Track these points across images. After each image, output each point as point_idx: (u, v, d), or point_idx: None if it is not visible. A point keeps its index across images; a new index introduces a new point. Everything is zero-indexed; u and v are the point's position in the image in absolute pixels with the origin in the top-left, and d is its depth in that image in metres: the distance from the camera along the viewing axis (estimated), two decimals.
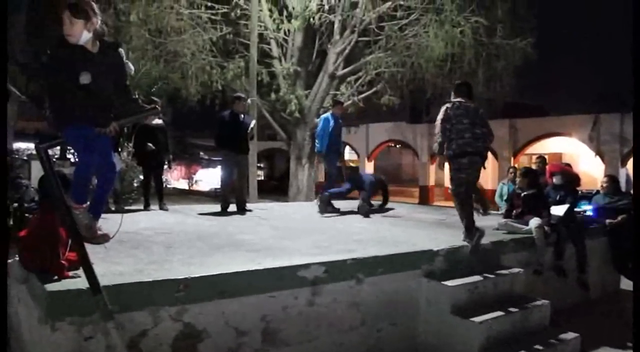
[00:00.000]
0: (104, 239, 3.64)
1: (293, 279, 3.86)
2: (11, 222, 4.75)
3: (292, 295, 3.86)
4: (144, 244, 4.60)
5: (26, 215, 4.92)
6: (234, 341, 3.58)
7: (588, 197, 8.30)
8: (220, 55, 14.03)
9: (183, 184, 34.05)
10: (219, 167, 11.13)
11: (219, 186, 13.95)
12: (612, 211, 7.30)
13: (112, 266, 3.60)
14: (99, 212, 3.67)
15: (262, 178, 35.24)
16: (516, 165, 19.28)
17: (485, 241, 5.38)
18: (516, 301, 4.83)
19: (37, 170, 9.33)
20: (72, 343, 2.97)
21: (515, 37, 13.41)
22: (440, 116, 5.33)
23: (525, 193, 6.43)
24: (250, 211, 7.76)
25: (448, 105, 5.37)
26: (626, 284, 7.33)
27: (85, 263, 3.03)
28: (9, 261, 3.68)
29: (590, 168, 21.02)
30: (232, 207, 7.73)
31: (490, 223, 6.50)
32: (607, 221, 7.24)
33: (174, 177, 30.78)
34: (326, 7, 13.19)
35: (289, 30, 14.02)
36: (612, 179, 7.81)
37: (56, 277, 3.19)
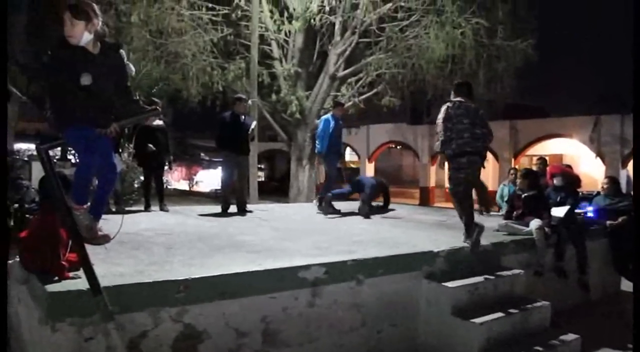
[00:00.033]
0: (105, 240, 3.65)
1: (293, 280, 3.86)
2: (12, 223, 4.76)
3: (292, 296, 3.86)
4: (144, 245, 4.61)
5: (27, 216, 4.92)
6: (234, 341, 3.58)
7: (589, 198, 8.28)
8: (221, 56, 14.05)
9: (184, 185, 34.07)
10: (220, 168, 11.13)
11: (219, 187, 13.94)
12: (612, 212, 7.30)
13: (112, 266, 3.60)
14: (100, 213, 3.67)
15: (263, 179, 35.25)
16: (517, 167, 19.25)
17: (485, 242, 5.39)
18: (516, 302, 4.83)
19: (37, 171, 9.33)
20: (72, 344, 2.97)
21: (516, 39, 13.42)
22: (441, 115, 5.34)
23: (525, 194, 6.43)
24: (250, 212, 7.76)
25: (449, 104, 5.38)
26: (626, 285, 7.33)
27: (85, 264, 3.03)
28: (10, 261, 3.68)
29: (591, 169, 21.01)
30: (233, 208, 7.73)
31: (491, 224, 6.50)
32: (608, 222, 7.24)
33: (175, 178, 30.80)
34: (327, 8, 13.19)
35: (289, 32, 14.03)
36: (612, 181, 7.81)
37: (57, 278, 3.19)
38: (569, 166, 8.41)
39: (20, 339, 3.79)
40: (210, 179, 33.02)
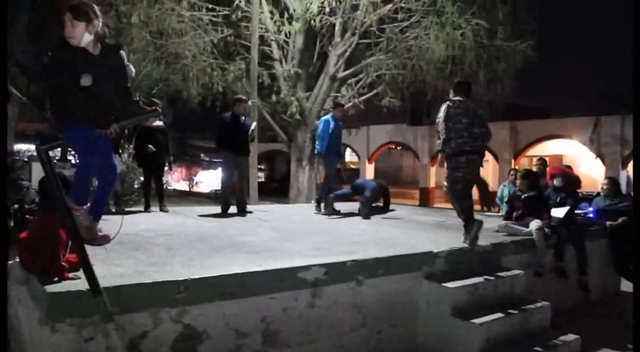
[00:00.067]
0: (105, 240, 3.65)
1: (293, 281, 3.86)
2: (12, 224, 4.75)
3: (292, 296, 3.86)
4: (144, 245, 4.61)
5: (27, 216, 4.92)
6: (234, 342, 3.58)
7: (588, 199, 8.28)
8: (221, 57, 14.06)
9: (183, 186, 34.08)
10: (220, 168, 11.14)
11: (219, 188, 13.95)
12: (612, 213, 7.30)
13: (112, 267, 3.60)
14: (100, 213, 3.68)
15: (263, 180, 35.25)
16: (517, 168, 19.26)
17: (485, 242, 5.40)
18: (516, 302, 4.83)
19: (37, 171, 9.32)
20: (72, 344, 2.97)
21: (515, 40, 13.44)
22: (442, 114, 5.35)
23: (525, 195, 6.43)
24: (250, 212, 7.77)
25: (449, 103, 5.39)
26: (626, 286, 7.33)
27: (85, 265, 3.03)
28: (10, 262, 3.68)
29: (591, 170, 21.00)
30: (233, 209, 7.74)
31: (491, 225, 6.51)
32: (608, 223, 7.24)
33: (175, 179, 30.80)
34: (327, 9, 13.19)
35: (289, 33, 14.04)
36: (612, 181, 7.81)
37: (56, 278, 3.19)
38: (569, 167, 8.42)
39: (20, 340, 3.79)
40: (210, 179, 33.04)
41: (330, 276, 4.04)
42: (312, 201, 8.78)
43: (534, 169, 8.53)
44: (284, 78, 14.11)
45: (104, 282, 3.06)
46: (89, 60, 3.41)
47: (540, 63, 14.64)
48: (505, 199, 8.79)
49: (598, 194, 8.08)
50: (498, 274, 5.05)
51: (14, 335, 3.95)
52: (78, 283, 3.12)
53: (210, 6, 13.53)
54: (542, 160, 8.85)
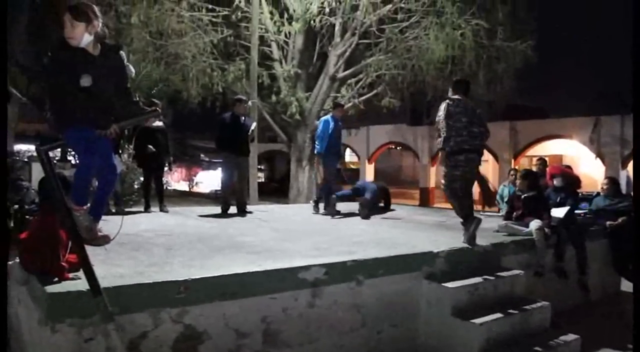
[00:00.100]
0: (105, 240, 3.65)
1: (293, 281, 3.86)
2: (12, 224, 4.75)
3: (292, 297, 3.86)
4: (144, 246, 4.61)
5: (27, 217, 4.92)
6: (235, 342, 3.59)
7: (588, 199, 8.28)
8: (221, 57, 14.07)
9: (183, 186, 34.07)
10: (220, 169, 11.14)
11: (219, 188, 13.95)
12: (612, 213, 7.30)
13: (112, 267, 3.60)
14: (100, 214, 3.68)
15: (263, 180, 35.25)
16: (517, 168, 19.27)
17: (485, 242, 5.40)
18: (516, 302, 4.83)
19: (37, 172, 9.32)
20: (72, 345, 2.97)
21: (515, 40, 13.45)
22: (442, 112, 5.35)
23: (525, 195, 6.43)
24: (250, 212, 7.77)
25: (449, 102, 5.40)
26: (626, 286, 7.33)
27: (85, 265, 3.03)
28: (10, 262, 3.68)
29: (591, 170, 21.00)
30: (233, 209, 7.74)
31: (491, 225, 6.51)
32: (608, 223, 7.24)
33: (175, 179, 30.79)
34: (327, 9, 13.20)
35: (289, 33, 14.05)
36: (612, 181, 7.81)
37: (56, 279, 3.19)
38: (569, 167, 8.42)
39: (20, 340, 3.79)
40: (210, 180, 33.04)
41: (330, 276, 4.04)
42: (311, 201, 8.78)
43: (534, 169, 8.54)
44: (283, 78, 14.12)
45: (104, 282, 3.06)
46: (89, 61, 3.41)
47: (540, 63, 14.66)
48: (505, 199, 8.79)
49: (598, 194, 8.08)
50: (498, 274, 5.05)
51: (14, 335, 3.95)
52: (78, 283, 3.12)
53: (210, 6, 13.54)
54: (542, 160, 8.85)
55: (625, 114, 19.34)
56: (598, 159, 21.41)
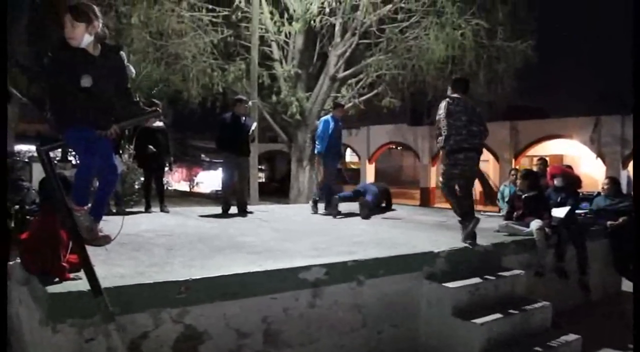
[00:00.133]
0: (105, 241, 3.65)
1: (294, 281, 3.86)
2: (12, 225, 4.76)
3: (293, 297, 3.86)
4: (145, 246, 4.61)
5: (27, 217, 4.92)
6: (235, 342, 3.59)
7: (589, 199, 8.28)
8: (221, 57, 14.08)
9: (184, 186, 34.08)
10: (220, 169, 11.15)
11: (219, 188, 13.96)
12: (613, 212, 7.30)
13: (113, 268, 3.60)
14: (100, 214, 3.68)
15: (263, 180, 35.26)
16: (517, 167, 19.26)
17: (486, 242, 5.41)
18: (517, 302, 4.82)
19: (38, 172, 9.33)
20: (73, 345, 2.98)
21: (515, 40, 13.45)
22: (442, 111, 5.34)
23: (526, 195, 6.43)
24: (251, 213, 7.77)
25: (449, 100, 5.40)
26: (627, 285, 7.33)
27: (86, 265, 3.03)
28: (10, 263, 3.68)
29: (592, 170, 21.01)
30: (233, 210, 7.74)
31: (491, 225, 6.51)
32: (608, 222, 7.24)
33: (175, 179, 30.78)
34: (327, 9, 13.21)
35: (290, 33, 14.05)
36: (613, 181, 7.81)
37: (57, 279, 3.19)
38: (570, 167, 8.41)
39: (21, 340, 3.79)
40: (210, 180, 33.04)
41: (330, 276, 4.04)
42: (310, 202, 8.79)
43: (535, 169, 8.52)
44: (284, 78, 14.12)
45: (104, 282, 3.06)
46: (89, 61, 3.41)
47: (540, 63, 14.67)
48: (506, 199, 8.79)
49: (599, 193, 8.08)
50: (499, 274, 5.05)
51: (15, 335, 3.95)
52: (79, 284, 3.12)
53: (210, 7, 13.54)
54: (542, 160, 8.84)
55: (626, 114, 19.33)
56: (599, 159, 21.41)
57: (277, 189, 28.34)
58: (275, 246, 4.87)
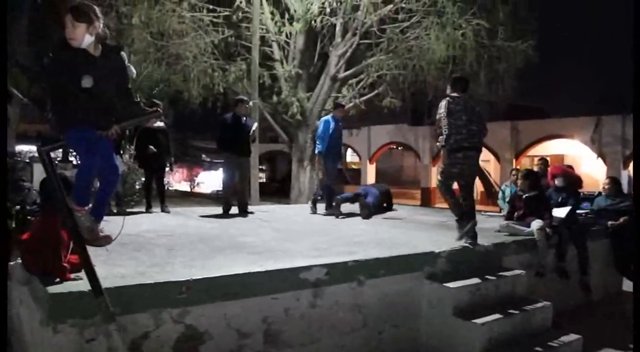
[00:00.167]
0: (106, 241, 3.65)
1: (295, 281, 3.86)
2: (13, 225, 4.76)
3: (294, 297, 3.86)
4: (145, 246, 4.61)
5: (28, 218, 4.92)
6: (236, 342, 3.59)
7: (590, 199, 8.28)
8: (222, 57, 14.09)
9: (185, 187, 34.08)
10: (221, 169, 11.14)
11: (220, 188, 13.95)
12: (614, 212, 7.29)
13: (114, 268, 3.60)
14: (101, 214, 3.68)
15: (264, 180, 35.25)
16: (518, 168, 19.25)
17: (487, 242, 5.40)
18: (518, 302, 4.82)
19: (39, 172, 9.33)
20: (73, 345, 2.98)
21: (516, 40, 13.45)
22: (443, 110, 5.33)
23: (527, 195, 6.42)
24: (251, 213, 7.77)
25: (449, 99, 5.39)
26: (628, 285, 7.32)
27: (87, 265, 3.03)
28: (11, 263, 3.68)
29: (592, 170, 20.99)
30: (234, 210, 7.74)
31: (492, 225, 6.51)
32: (609, 222, 7.24)
33: (176, 180, 30.80)
34: (328, 9, 13.22)
35: (290, 33, 14.06)
36: (613, 181, 7.80)
37: (58, 279, 3.19)
38: (570, 167, 8.41)
39: (21, 341, 3.80)
40: (211, 180, 33.02)
41: (331, 276, 4.04)
42: (309, 202, 8.80)
43: (536, 169, 8.51)
44: (284, 79, 14.13)
45: (105, 283, 3.06)
46: (90, 62, 3.41)
47: (541, 63, 14.67)
48: (507, 199, 8.78)
49: (599, 193, 8.07)
50: (499, 274, 5.05)
51: (15, 336, 3.96)
52: (80, 284, 3.12)
53: (211, 7, 13.55)
54: (543, 160, 8.82)
55: (627, 114, 19.31)
56: (599, 159, 21.39)
57: (278, 189, 28.35)
58: (276, 246, 4.87)
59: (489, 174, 15.76)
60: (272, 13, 13.65)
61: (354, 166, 33.20)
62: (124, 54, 3.68)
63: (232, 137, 7.53)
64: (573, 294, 6.34)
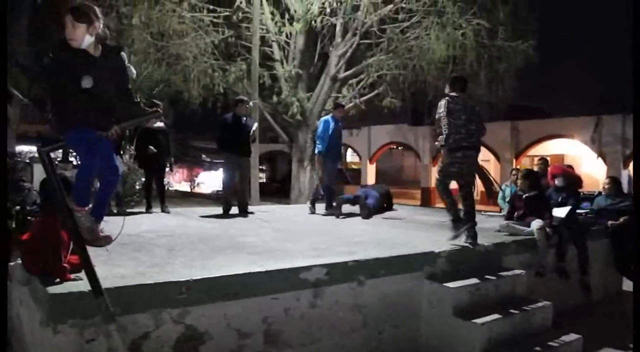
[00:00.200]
0: (106, 241, 3.65)
1: (295, 281, 3.86)
2: (13, 225, 4.76)
3: (294, 297, 3.86)
4: (145, 246, 4.61)
5: (28, 218, 4.92)
6: (236, 342, 3.59)
7: (590, 198, 8.28)
8: (222, 58, 14.09)
9: (185, 187, 34.06)
10: (221, 169, 11.15)
11: (220, 189, 13.95)
12: (614, 212, 7.29)
13: (114, 268, 3.61)
14: (101, 214, 3.68)
15: (264, 180, 35.24)
16: (518, 167, 19.23)
17: (487, 242, 5.41)
18: (518, 302, 4.82)
19: (39, 173, 9.33)
20: (74, 345, 2.98)
21: (516, 40, 13.45)
22: (443, 110, 5.33)
23: (527, 195, 6.42)
24: (252, 213, 7.77)
25: (448, 99, 5.40)
26: (628, 285, 7.32)
27: (87, 266, 3.03)
28: (11, 263, 3.69)
29: (593, 170, 20.98)
30: (234, 210, 7.74)
31: (492, 225, 6.51)
32: (609, 222, 7.24)
33: (176, 180, 30.78)
34: (328, 9, 13.22)
35: (290, 33, 14.06)
36: (614, 181, 7.80)
37: (58, 279, 3.19)
38: (571, 167, 8.41)
39: (21, 341, 3.80)
40: (211, 180, 33.00)
41: (331, 276, 4.04)
42: (308, 203, 8.80)
43: (536, 168, 8.51)
44: (285, 79, 14.12)
45: (105, 283, 3.07)
46: (90, 62, 3.41)
47: (542, 63, 14.66)
48: (507, 199, 8.78)
49: (599, 193, 8.07)
50: (499, 274, 5.05)
51: (15, 336, 3.96)
52: (80, 284, 3.13)
53: (211, 7, 13.56)
54: (543, 160, 8.82)
55: (627, 113, 19.30)
56: (599, 159, 21.39)
57: (278, 190, 28.33)
58: (276, 246, 4.87)
59: (489, 172, 15.73)
60: (272, 13, 13.65)
61: (354, 166, 33.19)
62: (124, 54, 3.68)
63: (232, 138, 7.53)
64: (573, 294, 6.34)
